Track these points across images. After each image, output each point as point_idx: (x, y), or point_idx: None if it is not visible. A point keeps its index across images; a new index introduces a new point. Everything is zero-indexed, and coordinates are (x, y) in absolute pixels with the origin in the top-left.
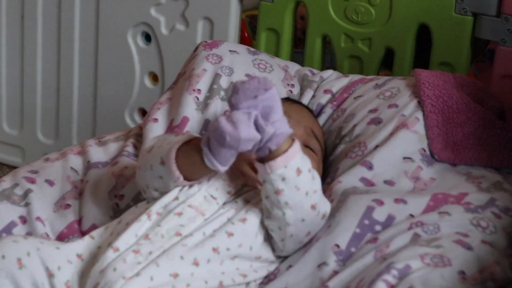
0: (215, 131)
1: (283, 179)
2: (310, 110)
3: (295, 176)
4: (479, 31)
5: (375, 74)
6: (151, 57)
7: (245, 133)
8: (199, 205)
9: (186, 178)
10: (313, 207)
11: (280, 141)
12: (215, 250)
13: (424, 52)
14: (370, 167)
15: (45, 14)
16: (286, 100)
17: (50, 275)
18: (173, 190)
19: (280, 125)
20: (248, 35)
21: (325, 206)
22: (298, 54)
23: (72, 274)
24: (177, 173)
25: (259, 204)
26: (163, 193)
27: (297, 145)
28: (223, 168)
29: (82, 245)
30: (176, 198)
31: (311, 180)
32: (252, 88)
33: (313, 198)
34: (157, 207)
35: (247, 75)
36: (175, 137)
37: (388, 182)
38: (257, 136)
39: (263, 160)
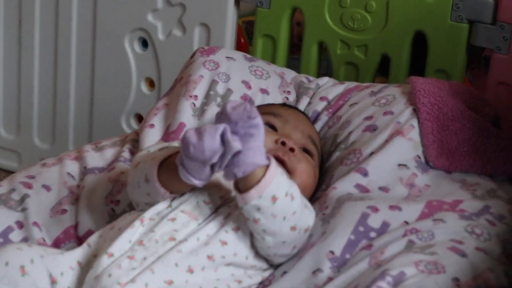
0: (182, 142)
1: (258, 209)
2: (308, 117)
3: (270, 204)
4: (474, 38)
5: (371, 81)
6: (148, 62)
7: (208, 144)
8: (191, 210)
9: (172, 193)
10: (292, 228)
11: (247, 170)
12: (210, 257)
13: (420, 59)
14: (365, 173)
15: (43, 19)
16: (284, 105)
17: (53, 282)
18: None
19: (253, 154)
20: (245, 41)
21: (307, 220)
22: (294, 60)
23: (73, 281)
24: (162, 190)
25: None
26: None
27: (271, 172)
28: (199, 183)
29: (81, 253)
30: (169, 206)
31: (289, 203)
32: (236, 113)
33: (292, 220)
34: (150, 213)
35: (243, 81)
36: (159, 151)
37: (383, 189)
38: (220, 148)
39: (238, 190)
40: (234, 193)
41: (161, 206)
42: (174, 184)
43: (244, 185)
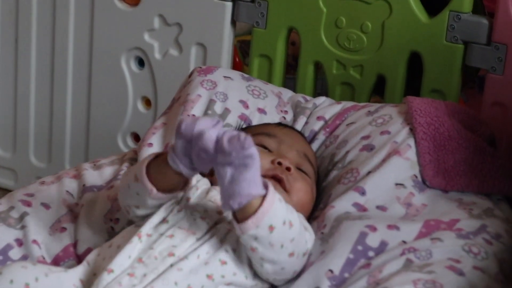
0: (178, 123)
1: (256, 238)
2: (303, 135)
3: (268, 234)
4: (469, 59)
5: (367, 101)
6: (144, 81)
7: (202, 123)
8: (189, 227)
9: (160, 190)
10: (291, 255)
11: (242, 201)
12: (209, 277)
13: (415, 79)
14: (362, 192)
15: (39, 37)
16: (279, 125)
17: None
18: (160, 210)
19: (248, 185)
20: (240, 60)
21: (306, 244)
22: (288, 80)
23: None
24: (149, 185)
25: None
26: (147, 214)
27: (268, 202)
28: (184, 169)
29: (82, 270)
30: (166, 221)
31: (287, 230)
32: (230, 144)
33: (290, 247)
34: (146, 228)
35: (241, 101)
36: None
37: (381, 208)
38: (211, 150)
39: (236, 219)
40: (230, 217)
41: (156, 219)
42: (162, 179)
43: (241, 215)
